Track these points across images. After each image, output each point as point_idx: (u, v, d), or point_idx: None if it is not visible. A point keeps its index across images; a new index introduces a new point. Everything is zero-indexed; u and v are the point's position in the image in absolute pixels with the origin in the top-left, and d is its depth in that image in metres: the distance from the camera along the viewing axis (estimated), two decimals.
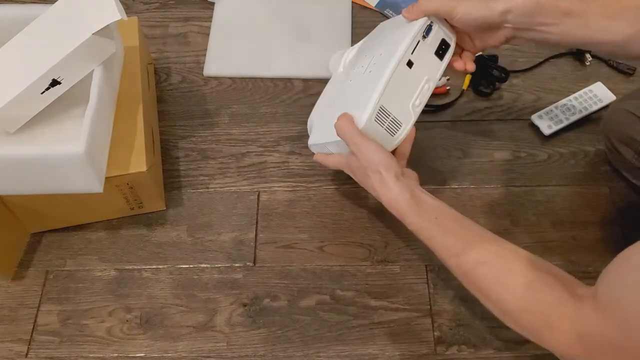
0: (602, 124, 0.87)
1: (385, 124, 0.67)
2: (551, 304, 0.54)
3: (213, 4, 1.10)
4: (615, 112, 0.85)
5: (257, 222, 0.87)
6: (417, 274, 0.82)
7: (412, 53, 0.68)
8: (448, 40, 0.71)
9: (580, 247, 0.84)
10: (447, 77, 0.98)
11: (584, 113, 0.94)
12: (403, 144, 0.71)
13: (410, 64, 0.68)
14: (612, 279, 0.50)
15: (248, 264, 0.84)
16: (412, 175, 0.69)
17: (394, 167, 0.65)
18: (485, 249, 0.61)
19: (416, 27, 0.69)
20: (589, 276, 0.80)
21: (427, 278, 0.82)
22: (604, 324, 0.49)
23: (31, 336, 0.79)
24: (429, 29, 0.69)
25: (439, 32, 0.70)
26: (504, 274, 0.58)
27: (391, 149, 0.69)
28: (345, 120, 0.67)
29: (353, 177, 0.71)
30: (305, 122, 0.97)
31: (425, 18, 0.69)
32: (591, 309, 0.50)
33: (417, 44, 0.69)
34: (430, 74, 0.70)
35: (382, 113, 0.67)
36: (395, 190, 0.64)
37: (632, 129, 0.80)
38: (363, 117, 0.66)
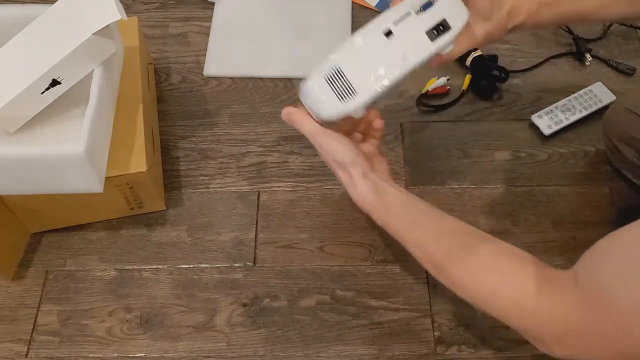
0: (602, 123, 0.88)
1: (336, 86, 0.61)
2: (518, 287, 0.55)
3: (213, 4, 1.10)
4: (615, 111, 0.85)
5: (257, 222, 0.87)
6: (417, 274, 0.82)
7: (394, 23, 0.61)
8: (450, 22, 0.62)
9: (580, 247, 0.82)
10: (447, 77, 0.98)
11: (584, 113, 0.94)
12: (371, 141, 0.69)
13: (389, 33, 0.61)
14: (595, 263, 0.50)
15: (248, 264, 0.84)
16: (383, 167, 0.67)
17: (361, 164, 0.64)
18: (453, 240, 0.61)
19: None
20: None
21: (427, 278, 0.82)
22: (581, 308, 0.49)
23: (31, 336, 0.79)
24: (429, 3, 0.62)
25: (442, 10, 0.62)
26: (471, 264, 0.59)
27: (338, 115, 0.63)
28: (301, 115, 0.64)
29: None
30: None
31: None
32: (567, 293, 0.51)
33: (405, 15, 0.61)
34: (410, 52, 0.61)
35: (336, 73, 0.61)
36: (361, 189, 0.63)
37: (633, 128, 0.80)
38: (313, 72, 0.62)
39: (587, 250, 0.51)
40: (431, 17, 0.61)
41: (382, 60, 0.62)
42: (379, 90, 0.62)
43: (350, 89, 0.61)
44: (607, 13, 0.68)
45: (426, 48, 0.62)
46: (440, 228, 0.62)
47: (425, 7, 0.61)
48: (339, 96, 0.62)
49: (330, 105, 0.62)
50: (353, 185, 0.64)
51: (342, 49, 0.62)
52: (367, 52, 0.62)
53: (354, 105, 0.62)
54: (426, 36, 0.62)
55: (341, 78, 0.61)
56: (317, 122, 0.65)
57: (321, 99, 0.63)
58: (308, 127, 0.64)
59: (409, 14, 0.61)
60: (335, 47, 0.63)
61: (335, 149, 0.64)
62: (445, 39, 0.62)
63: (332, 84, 0.62)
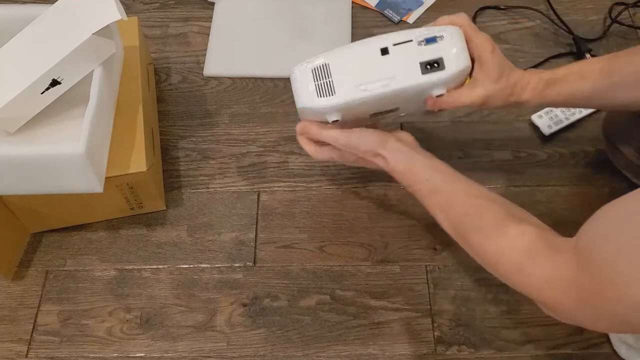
0: (602, 123, 0.87)
1: (319, 81, 0.63)
2: (524, 249, 0.57)
3: (213, 4, 1.10)
4: (615, 111, 0.85)
5: (257, 222, 0.87)
6: (417, 274, 0.82)
7: (394, 44, 0.63)
8: (446, 63, 0.64)
9: None
10: None
11: (584, 113, 0.94)
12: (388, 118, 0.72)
13: (385, 51, 0.63)
14: (588, 229, 0.52)
15: (248, 264, 0.84)
16: (408, 137, 0.71)
17: (388, 140, 0.67)
18: (468, 202, 0.64)
19: (422, 30, 0.64)
20: None
21: (427, 278, 0.82)
22: (575, 270, 0.51)
23: (31, 336, 0.79)
24: (433, 39, 0.63)
25: (442, 50, 0.64)
26: (483, 224, 0.61)
27: (311, 109, 0.65)
28: (314, 125, 0.69)
29: (346, 163, 0.73)
30: None
31: (440, 28, 0.64)
32: (567, 257, 0.52)
33: (407, 41, 0.63)
34: (399, 75, 0.63)
35: (323, 69, 0.62)
36: (394, 164, 0.67)
37: (632, 128, 0.80)
38: (306, 61, 0.64)
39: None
40: (430, 52, 0.63)
41: (369, 73, 0.63)
42: (355, 98, 0.63)
43: (330, 88, 0.63)
44: (614, 97, 0.69)
45: (414, 77, 0.63)
46: (456, 192, 0.65)
47: (428, 41, 0.63)
48: (318, 91, 0.63)
49: (307, 97, 0.64)
50: (389, 164, 0.68)
51: (338, 50, 0.64)
52: (359, 61, 0.64)
53: (328, 104, 0.63)
54: (419, 67, 0.63)
55: (326, 75, 0.63)
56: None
57: (302, 89, 0.65)
58: (327, 134, 0.68)
59: (410, 41, 0.63)
60: (334, 48, 0.64)
61: (360, 141, 0.68)
62: (436, 76, 0.64)
63: (316, 78, 0.63)
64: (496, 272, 0.60)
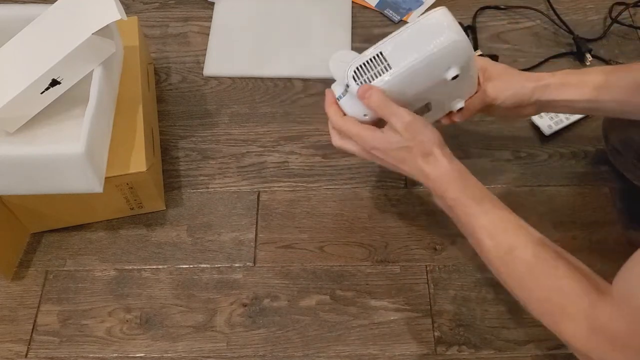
0: (602, 124, 0.87)
1: (376, 69, 0.63)
2: (571, 295, 0.55)
3: (213, 4, 1.10)
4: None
5: (257, 222, 0.87)
6: (417, 274, 0.82)
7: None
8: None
9: (580, 247, 0.84)
10: None
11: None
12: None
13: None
14: (626, 273, 0.51)
15: (248, 264, 0.84)
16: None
17: (443, 143, 0.64)
18: (519, 235, 0.60)
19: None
20: None
21: (427, 278, 0.82)
22: (615, 317, 0.50)
23: (31, 336, 0.79)
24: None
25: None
26: (532, 262, 0.58)
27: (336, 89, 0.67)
28: (378, 92, 0.62)
29: (373, 158, 0.66)
30: (305, 122, 0.97)
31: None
32: (607, 303, 0.51)
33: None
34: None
35: (378, 57, 0.63)
36: (449, 167, 0.63)
37: (632, 131, 0.80)
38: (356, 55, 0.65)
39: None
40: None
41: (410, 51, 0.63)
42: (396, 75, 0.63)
43: (387, 67, 0.63)
44: (603, 106, 0.71)
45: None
46: (508, 221, 0.62)
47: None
48: (375, 75, 0.63)
49: (335, 81, 0.67)
50: (441, 167, 0.63)
51: (379, 43, 0.64)
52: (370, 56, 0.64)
53: (334, 87, 0.67)
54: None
55: (383, 62, 0.63)
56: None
57: (332, 73, 0.67)
58: (385, 102, 0.63)
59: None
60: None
61: (425, 129, 0.63)
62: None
63: (373, 67, 0.63)
64: (537, 314, 0.58)
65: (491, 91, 0.71)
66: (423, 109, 0.71)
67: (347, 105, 0.66)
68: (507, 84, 0.71)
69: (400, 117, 0.62)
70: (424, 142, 0.63)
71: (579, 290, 0.54)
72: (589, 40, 1.02)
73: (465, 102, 0.70)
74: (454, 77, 0.64)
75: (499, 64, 0.73)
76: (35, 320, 0.80)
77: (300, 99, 0.99)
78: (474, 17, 1.07)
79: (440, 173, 0.63)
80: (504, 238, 0.60)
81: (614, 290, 0.52)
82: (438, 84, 0.65)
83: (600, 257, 0.82)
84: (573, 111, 0.80)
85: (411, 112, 0.63)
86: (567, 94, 0.71)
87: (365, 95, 0.62)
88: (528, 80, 0.71)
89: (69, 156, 0.70)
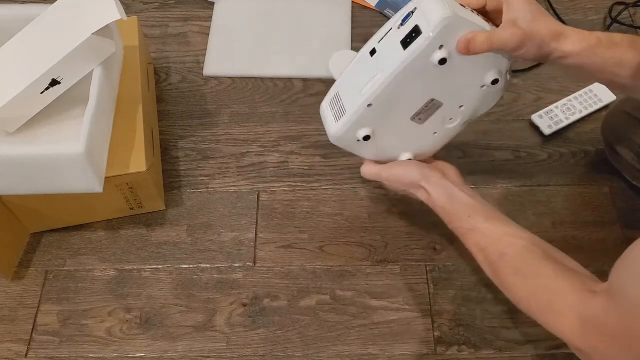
0: (601, 126, 0.87)
1: (334, 109, 0.67)
2: (558, 292, 0.56)
3: (213, 4, 1.10)
4: (614, 115, 0.85)
5: (257, 222, 0.87)
6: (417, 274, 0.82)
7: (378, 41, 0.63)
8: (422, 27, 0.59)
9: (580, 247, 0.84)
10: None
11: (584, 113, 0.94)
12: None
13: (373, 52, 0.64)
14: (620, 268, 0.51)
15: (248, 264, 0.84)
16: (454, 172, 0.71)
17: (432, 176, 0.68)
18: (507, 242, 0.63)
19: (399, 13, 0.62)
20: None
21: (427, 278, 0.82)
22: (608, 310, 0.50)
23: (31, 336, 0.79)
24: (407, 16, 0.61)
25: (417, 18, 0.60)
26: (520, 264, 0.61)
27: (337, 135, 0.67)
28: (367, 166, 0.71)
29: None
30: (305, 122, 0.97)
31: (414, 2, 0.61)
32: (598, 297, 0.52)
33: (388, 31, 0.63)
34: (386, 65, 0.61)
35: (335, 98, 0.67)
36: (436, 198, 0.67)
37: (632, 131, 0.80)
38: (323, 102, 0.69)
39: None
40: (407, 27, 0.61)
41: (366, 78, 0.64)
42: (360, 106, 0.64)
43: (342, 110, 0.66)
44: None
45: (398, 57, 0.61)
46: (495, 233, 0.64)
47: (404, 20, 0.61)
48: (335, 117, 0.67)
49: (330, 127, 0.68)
50: (430, 198, 0.68)
51: (344, 72, 0.66)
52: (357, 74, 0.65)
53: (342, 124, 0.66)
54: (400, 46, 0.61)
55: (338, 101, 0.66)
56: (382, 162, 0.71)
57: (325, 122, 0.68)
58: (372, 172, 0.71)
59: (390, 29, 0.63)
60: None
61: (402, 174, 0.69)
62: (417, 44, 0.60)
63: (332, 107, 0.67)
64: (528, 311, 0.60)
65: (515, 29, 0.61)
66: (431, 107, 0.68)
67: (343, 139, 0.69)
68: (537, 18, 0.61)
69: (378, 175, 0.71)
70: (410, 185, 0.69)
71: (567, 287, 0.56)
72: None
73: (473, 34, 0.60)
74: (441, 62, 0.60)
75: None
76: (35, 320, 0.80)
77: (300, 99, 0.99)
78: None
79: (438, 209, 0.68)
80: (494, 249, 0.63)
81: (609, 286, 0.52)
82: (430, 77, 0.63)
83: (600, 257, 0.82)
84: (616, 77, 0.65)
85: (384, 166, 0.70)
86: (622, 53, 0.62)
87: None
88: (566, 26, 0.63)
89: (69, 156, 0.70)
